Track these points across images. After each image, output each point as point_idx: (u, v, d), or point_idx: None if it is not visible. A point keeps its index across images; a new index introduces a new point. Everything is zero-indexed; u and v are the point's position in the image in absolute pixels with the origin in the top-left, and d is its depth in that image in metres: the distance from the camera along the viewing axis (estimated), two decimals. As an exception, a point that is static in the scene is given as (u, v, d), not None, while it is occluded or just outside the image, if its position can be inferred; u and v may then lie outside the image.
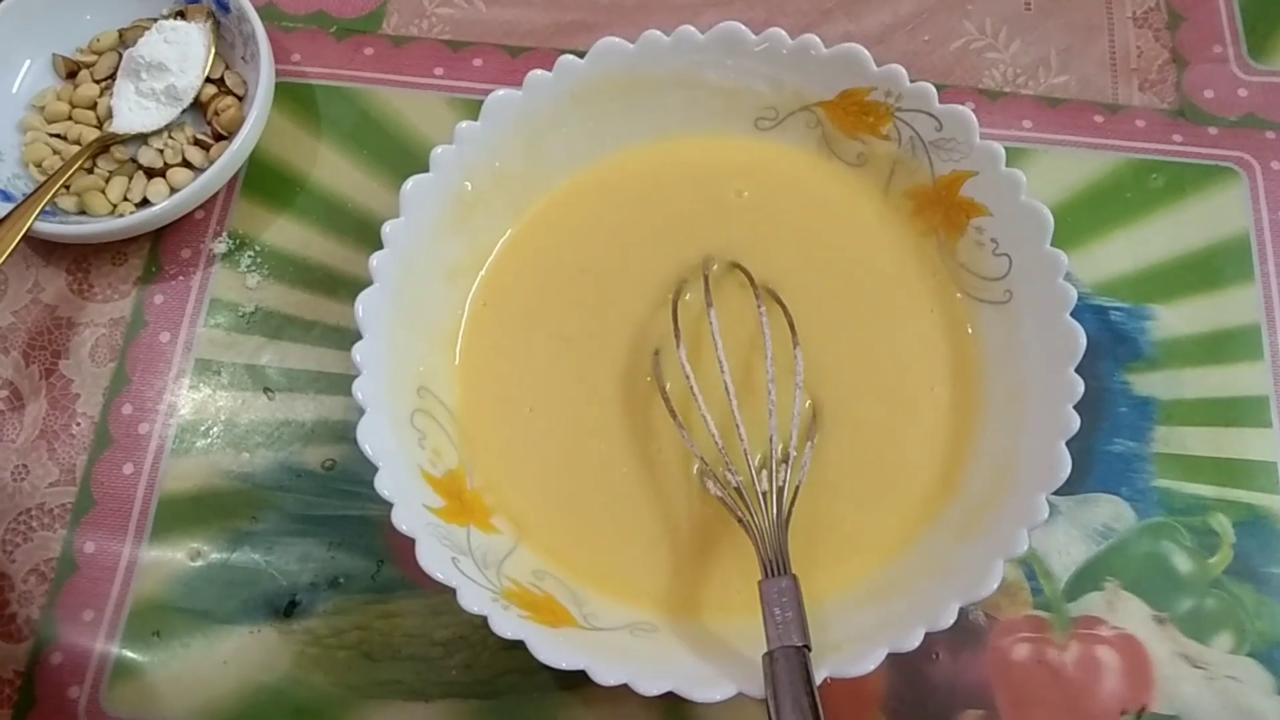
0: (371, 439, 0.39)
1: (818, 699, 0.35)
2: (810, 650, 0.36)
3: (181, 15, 0.53)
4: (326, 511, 0.47)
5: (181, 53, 0.51)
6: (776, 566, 0.38)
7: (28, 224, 0.47)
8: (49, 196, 0.48)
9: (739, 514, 0.40)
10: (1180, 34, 0.56)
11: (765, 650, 0.36)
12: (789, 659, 0.36)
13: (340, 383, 0.48)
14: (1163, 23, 0.56)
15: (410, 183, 0.43)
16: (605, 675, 0.36)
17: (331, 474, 0.47)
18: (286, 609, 0.45)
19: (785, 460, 0.41)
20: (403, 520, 0.38)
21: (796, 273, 0.46)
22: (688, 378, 0.41)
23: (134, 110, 0.52)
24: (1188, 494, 0.46)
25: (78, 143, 0.51)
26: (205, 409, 0.48)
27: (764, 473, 0.41)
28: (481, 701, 0.43)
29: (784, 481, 0.41)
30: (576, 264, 0.47)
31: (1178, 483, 0.46)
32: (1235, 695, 0.43)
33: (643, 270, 0.47)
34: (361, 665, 0.44)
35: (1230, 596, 0.45)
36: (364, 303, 0.41)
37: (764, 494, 0.40)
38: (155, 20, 0.53)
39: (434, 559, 0.37)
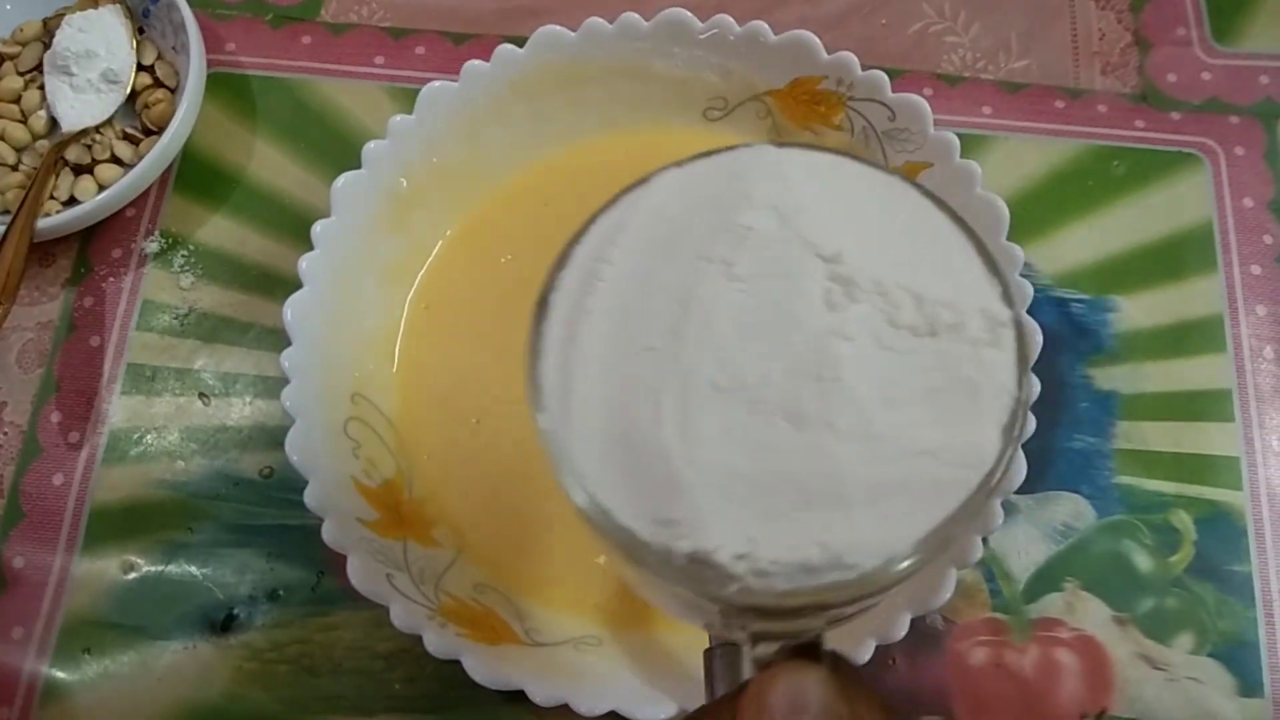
0: (301, 450, 0.38)
1: None
2: None
3: (94, 4, 0.51)
4: (265, 521, 0.45)
5: (103, 36, 0.49)
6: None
7: (27, 244, 0.46)
8: (40, 209, 0.47)
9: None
10: (1144, 16, 0.55)
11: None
12: (729, 655, 0.34)
13: (278, 387, 0.45)
14: (1126, 4, 0.55)
15: (341, 180, 0.41)
16: (543, 695, 0.35)
17: (270, 482, 0.46)
18: (224, 623, 0.44)
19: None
20: (334, 535, 0.36)
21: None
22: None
23: (76, 107, 0.49)
24: (1149, 491, 0.45)
25: (1, 138, 0.49)
26: (138, 416, 0.47)
27: None
28: (425, 716, 0.42)
29: None
30: (522, 263, 0.46)
31: (1139, 479, 0.45)
32: (1197, 697, 0.42)
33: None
34: (302, 680, 0.43)
35: (1191, 596, 0.44)
36: (293, 307, 0.40)
37: None
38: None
39: (366, 575, 0.36)
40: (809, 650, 0.25)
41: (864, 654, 0.35)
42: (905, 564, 0.23)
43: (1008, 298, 0.26)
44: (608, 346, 0.26)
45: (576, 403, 0.26)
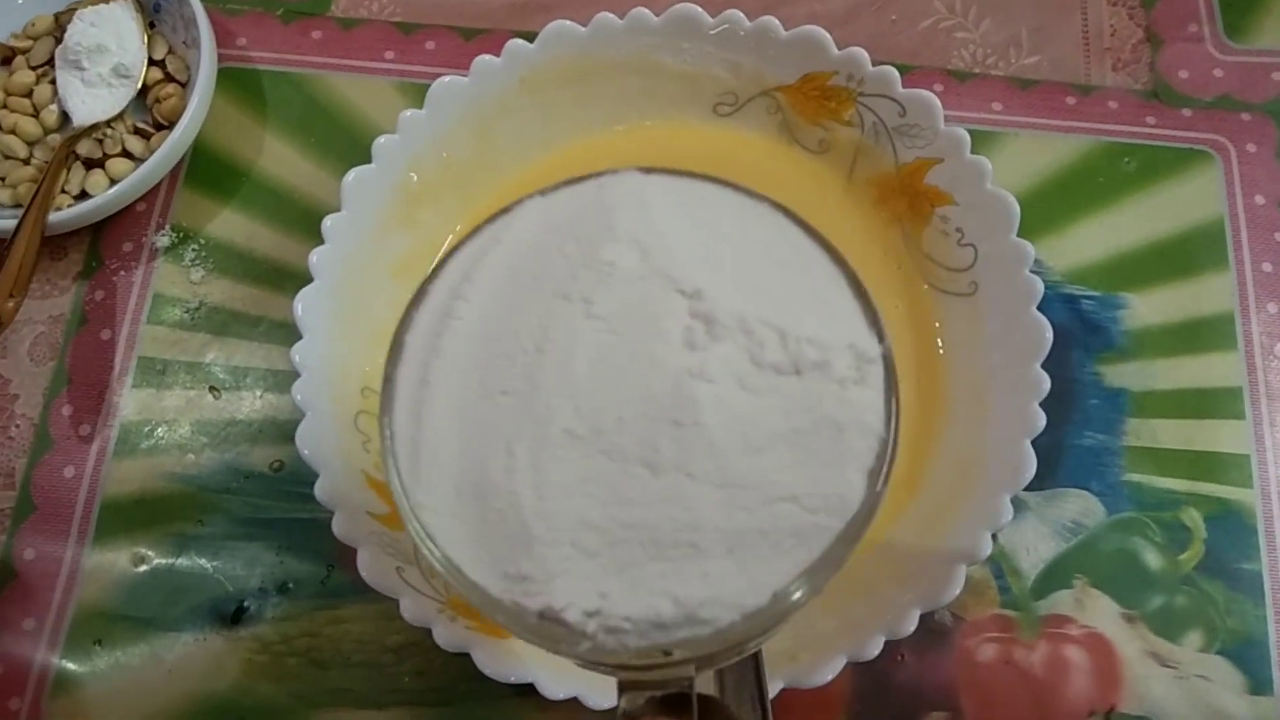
0: (312, 443, 0.38)
1: (768, 700, 0.33)
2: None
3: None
4: (275, 514, 0.45)
5: (115, 31, 0.50)
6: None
7: (38, 238, 0.46)
8: (51, 203, 0.47)
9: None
10: (1155, 12, 0.54)
11: None
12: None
13: (288, 381, 0.46)
14: (1137, 0, 0.55)
15: (351, 175, 0.41)
16: (554, 689, 0.35)
17: (280, 475, 0.46)
18: (233, 615, 0.44)
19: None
20: (343, 529, 0.37)
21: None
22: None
23: (87, 101, 0.50)
24: (1159, 488, 0.45)
25: (13, 132, 0.49)
26: (148, 409, 0.47)
27: None
28: (435, 709, 0.42)
29: None
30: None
31: (1149, 477, 0.45)
32: (1205, 695, 0.42)
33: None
34: (311, 673, 0.43)
35: (1201, 594, 0.44)
36: (303, 301, 0.40)
37: None
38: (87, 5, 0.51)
39: (376, 568, 0.36)
40: (678, 702, 0.24)
41: (873, 649, 0.35)
42: (763, 617, 0.23)
43: (878, 330, 0.25)
44: (460, 390, 0.25)
45: (426, 450, 0.25)
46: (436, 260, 0.28)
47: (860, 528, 0.24)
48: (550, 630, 0.23)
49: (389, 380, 0.26)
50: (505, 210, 0.28)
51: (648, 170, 0.28)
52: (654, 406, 0.24)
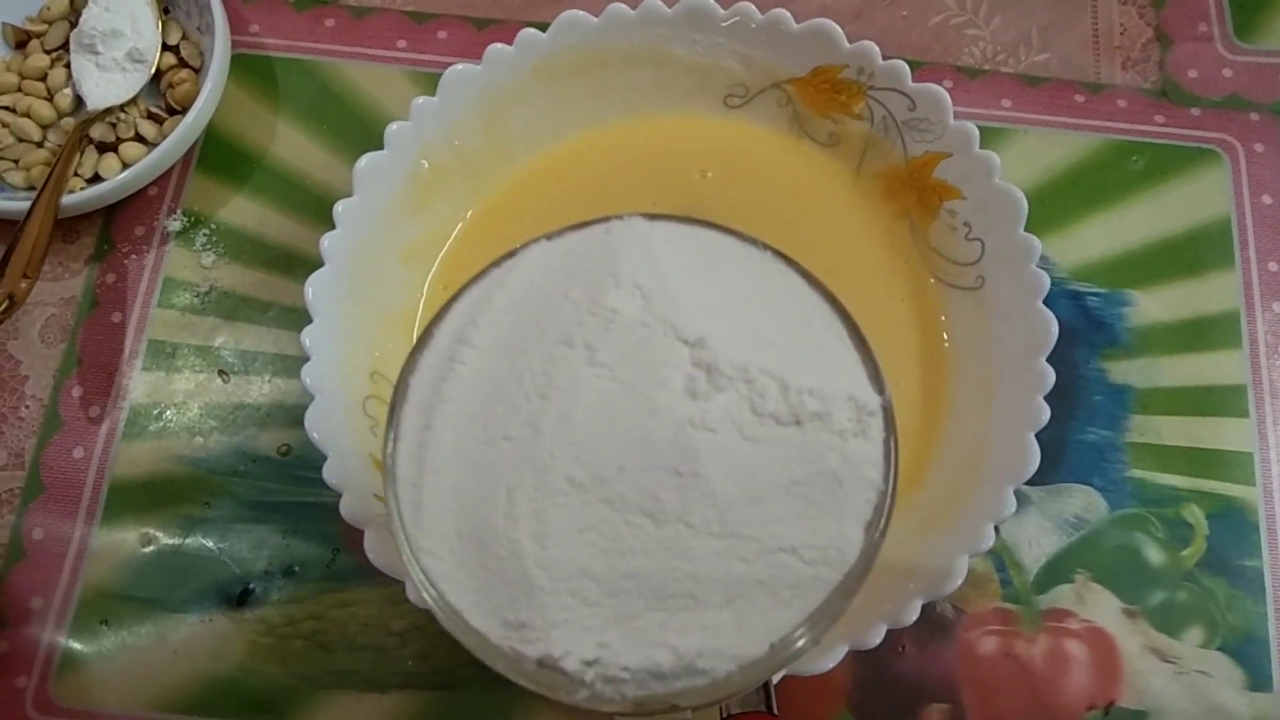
0: (320, 426, 0.38)
1: (772, 689, 0.34)
2: None
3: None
4: (281, 498, 0.45)
5: (129, 15, 0.50)
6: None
7: (51, 220, 0.46)
8: (65, 186, 0.47)
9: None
10: (1165, 12, 0.55)
11: None
12: None
13: (297, 366, 0.46)
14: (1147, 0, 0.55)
15: (364, 161, 0.42)
16: (557, 672, 0.35)
17: (287, 459, 0.46)
18: (240, 597, 0.44)
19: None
20: (351, 510, 0.37)
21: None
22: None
23: (101, 85, 0.50)
24: (1161, 485, 0.45)
25: (27, 115, 0.50)
26: (158, 392, 0.47)
27: None
28: (438, 693, 0.43)
29: None
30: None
31: (1151, 473, 0.46)
32: (1205, 690, 0.43)
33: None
34: (316, 655, 0.43)
35: (1202, 590, 0.44)
36: (314, 285, 0.40)
37: None
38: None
39: (383, 551, 0.36)
40: None
41: (875, 638, 0.35)
42: (761, 668, 0.23)
43: (878, 382, 0.26)
44: (463, 435, 0.25)
45: (429, 495, 0.25)
46: (441, 305, 0.28)
47: (858, 580, 0.24)
48: (548, 678, 0.23)
49: (394, 421, 0.26)
50: (510, 254, 0.28)
51: (653, 217, 0.28)
52: (655, 455, 0.24)
